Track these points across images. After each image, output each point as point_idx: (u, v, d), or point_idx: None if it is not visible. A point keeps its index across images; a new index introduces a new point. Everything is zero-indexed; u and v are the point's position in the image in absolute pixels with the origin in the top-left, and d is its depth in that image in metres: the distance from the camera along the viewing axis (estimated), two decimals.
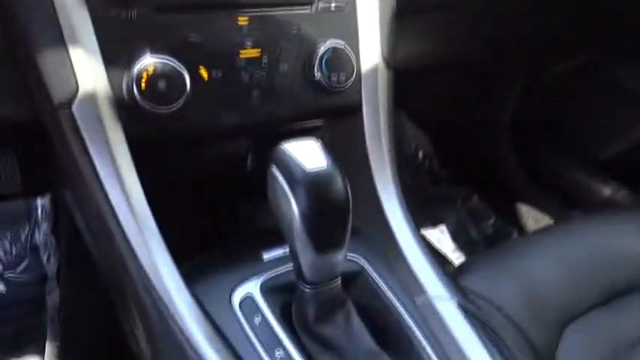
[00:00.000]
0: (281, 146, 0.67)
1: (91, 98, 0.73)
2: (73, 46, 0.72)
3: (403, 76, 1.03)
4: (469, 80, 1.72)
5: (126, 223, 0.73)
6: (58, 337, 1.28)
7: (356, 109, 0.91)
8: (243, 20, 0.81)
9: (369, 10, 0.92)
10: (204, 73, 0.79)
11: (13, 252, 1.46)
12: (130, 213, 0.74)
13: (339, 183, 0.65)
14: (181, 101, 0.76)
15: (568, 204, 1.62)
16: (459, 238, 1.74)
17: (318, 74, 0.85)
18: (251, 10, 0.82)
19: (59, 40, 0.72)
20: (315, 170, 0.64)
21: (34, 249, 1.46)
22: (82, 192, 0.77)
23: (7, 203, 1.46)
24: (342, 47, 0.86)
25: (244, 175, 1.01)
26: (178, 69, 0.75)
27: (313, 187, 0.64)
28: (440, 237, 1.73)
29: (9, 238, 1.47)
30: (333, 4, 0.87)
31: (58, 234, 1.42)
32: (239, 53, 0.81)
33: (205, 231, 1.03)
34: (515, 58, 1.64)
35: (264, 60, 0.83)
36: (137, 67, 0.73)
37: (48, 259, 1.44)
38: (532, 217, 1.69)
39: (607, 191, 1.57)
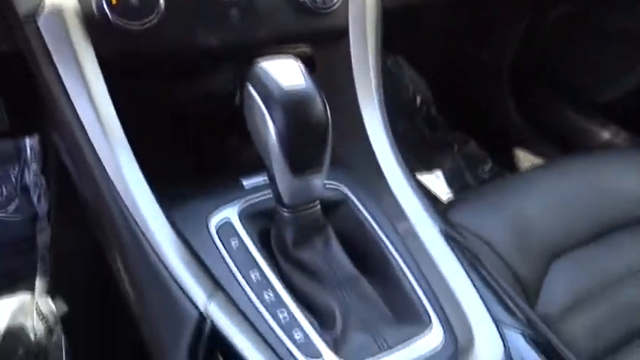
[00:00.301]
0: (258, 64, 0.64)
1: (58, 11, 0.71)
2: None
3: (397, 16, 0.99)
4: (465, 23, 1.67)
5: (94, 136, 0.71)
6: (48, 274, 1.28)
7: (342, 34, 0.87)
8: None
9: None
10: None
11: (4, 192, 1.46)
12: (99, 126, 0.71)
13: (317, 103, 0.62)
14: (154, 17, 0.73)
15: (566, 149, 1.60)
16: (454, 183, 1.73)
17: None
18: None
19: None
20: (293, 88, 0.62)
21: (25, 189, 1.46)
22: (56, 115, 0.74)
23: None
24: None
25: (232, 110, 0.99)
26: None
27: (290, 105, 0.62)
28: (434, 181, 1.71)
29: None
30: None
31: (48, 174, 1.41)
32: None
33: (186, 163, 1.01)
34: (511, 3, 1.59)
35: None
36: None
37: (38, 199, 1.44)
38: (529, 162, 1.67)
39: (606, 134, 1.55)
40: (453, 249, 0.71)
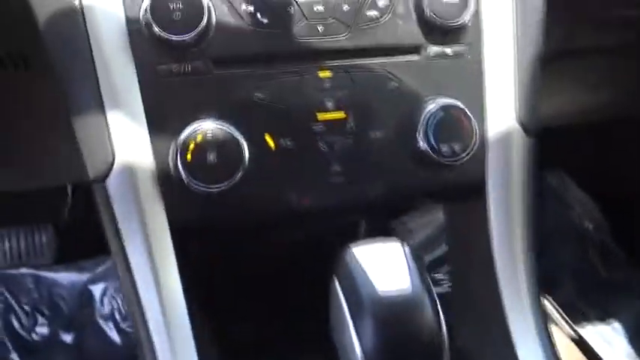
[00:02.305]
0: (350, 249, 0.51)
1: (129, 172, 0.61)
2: (113, 108, 0.60)
3: (559, 132, 0.77)
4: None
5: (157, 335, 0.58)
6: None
7: (476, 192, 0.68)
8: (324, 73, 0.63)
9: (502, 55, 0.68)
10: (270, 141, 0.62)
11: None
12: (164, 324, 0.58)
13: (427, 318, 0.45)
14: (236, 177, 0.60)
15: None
16: (638, 340, 1.36)
17: (423, 143, 0.64)
18: (336, 59, 0.64)
19: (97, 102, 0.59)
20: (392, 294, 0.46)
21: None
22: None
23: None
24: (459, 107, 0.64)
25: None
26: (234, 136, 0.60)
27: (386, 321, 0.45)
28: (610, 337, 1.36)
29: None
30: (450, 49, 0.66)
31: None
32: (316, 116, 0.63)
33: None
34: None
35: (350, 125, 0.65)
36: (184, 135, 0.59)
37: None
38: None
39: None
40: None
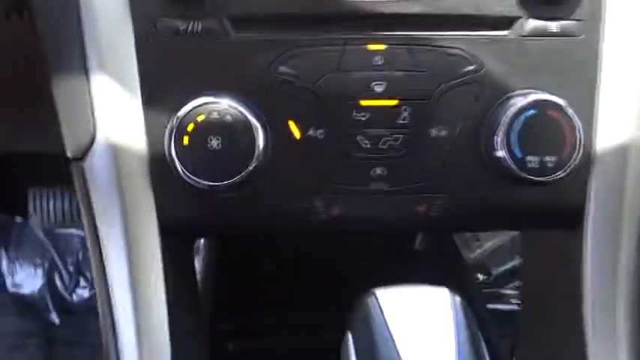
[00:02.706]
0: (373, 296, 0.40)
1: (113, 152, 0.48)
2: (99, 70, 0.47)
3: None
4: None
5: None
6: None
7: (570, 222, 0.52)
8: (376, 46, 0.47)
9: (630, 38, 0.50)
10: (294, 129, 0.48)
11: None
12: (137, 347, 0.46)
13: None
14: (244, 173, 0.47)
15: None
16: None
17: (501, 151, 0.47)
18: (394, 29, 0.48)
19: (79, 61, 0.47)
20: None
21: None
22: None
23: None
24: (560, 105, 0.47)
25: None
26: (247, 118, 0.46)
27: None
28: None
29: None
30: (555, 24, 0.48)
31: None
32: (359, 102, 0.47)
33: None
34: None
35: (404, 117, 0.48)
36: (182, 112, 0.46)
37: None
38: None
39: None
40: None
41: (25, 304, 1.32)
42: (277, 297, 0.71)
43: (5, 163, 1.02)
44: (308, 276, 0.71)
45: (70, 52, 0.48)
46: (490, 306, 1.12)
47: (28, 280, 1.34)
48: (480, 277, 1.23)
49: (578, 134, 0.48)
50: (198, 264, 0.69)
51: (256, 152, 0.46)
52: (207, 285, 0.68)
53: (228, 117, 0.46)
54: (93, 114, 0.48)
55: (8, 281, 1.34)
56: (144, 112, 0.48)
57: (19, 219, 1.43)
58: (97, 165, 0.48)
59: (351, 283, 0.62)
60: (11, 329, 1.28)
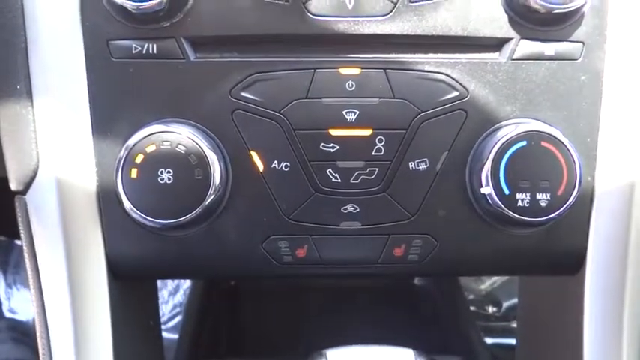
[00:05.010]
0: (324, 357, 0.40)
1: (59, 186, 0.44)
2: (43, 95, 0.43)
3: None
4: None
5: None
6: None
7: (567, 269, 0.47)
8: (349, 69, 0.43)
9: (634, 62, 0.44)
10: (257, 161, 0.43)
11: None
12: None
13: None
14: (198, 210, 0.42)
15: None
16: None
17: (488, 188, 0.41)
18: (369, 51, 0.44)
19: (25, 85, 0.43)
20: None
21: None
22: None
23: None
24: (554, 137, 0.41)
25: None
26: (201, 149, 0.42)
27: None
28: None
29: None
30: (551, 47, 0.43)
31: None
32: (329, 132, 0.42)
33: None
34: None
35: (378, 148, 0.43)
36: (131, 142, 0.42)
37: None
38: None
39: None
40: None
41: (20, 331, 1.29)
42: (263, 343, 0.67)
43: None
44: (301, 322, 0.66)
45: (15, 75, 0.44)
46: (499, 340, 1.05)
47: (24, 306, 1.31)
48: (490, 309, 1.17)
49: (576, 169, 0.42)
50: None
51: (212, 187, 0.42)
52: (186, 328, 0.64)
53: (181, 147, 0.42)
54: (36, 143, 0.44)
55: (5, 306, 1.31)
56: (93, 140, 0.44)
57: (19, 242, 1.41)
58: (41, 199, 0.44)
59: (340, 321, 0.57)
60: (5, 357, 1.25)
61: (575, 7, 0.42)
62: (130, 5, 0.41)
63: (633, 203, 0.45)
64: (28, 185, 0.44)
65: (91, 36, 0.43)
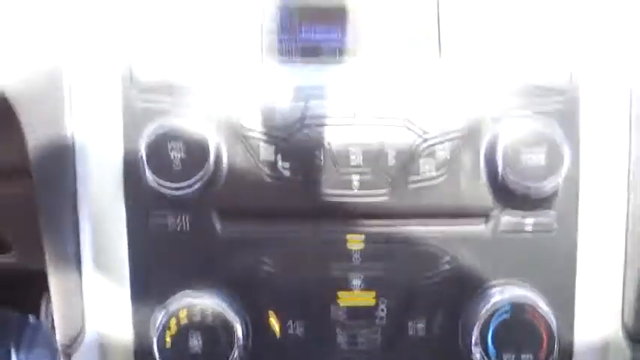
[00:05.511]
0: None
1: (101, 348, 0.49)
2: (91, 265, 0.49)
3: None
4: None
5: None
6: None
7: None
8: (354, 241, 0.48)
9: (606, 232, 0.50)
10: (275, 323, 0.49)
11: None
12: None
13: None
14: None
15: None
16: None
17: (477, 353, 0.47)
18: (371, 225, 0.49)
19: (74, 254, 0.49)
20: None
21: None
22: None
23: None
24: (534, 306, 0.47)
25: None
26: (225, 316, 0.48)
27: None
28: None
29: None
30: (530, 220, 0.49)
31: None
32: (337, 297, 0.48)
33: None
34: None
35: (381, 312, 0.50)
36: (165, 312, 0.48)
37: None
38: None
39: None
40: None
41: None
42: None
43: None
44: None
45: (67, 239, 0.50)
46: None
47: None
48: None
49: (554, 333, 0.48)
50: None
51: (235, 351, 0.47)
52: None
53: (208, 316, 0.47)
54: (82, 306, 0.50)
55: None
56: (132, 306, 0.50)
57: (32, 319, 1.44)
58: (84, 357, 0.50)
59: None
60: None
61: (550, 187, 0.48)
62: (169, 190, 0.47)
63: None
64: (73, 340, 0.50)
65: (133, 210, 0.49)
